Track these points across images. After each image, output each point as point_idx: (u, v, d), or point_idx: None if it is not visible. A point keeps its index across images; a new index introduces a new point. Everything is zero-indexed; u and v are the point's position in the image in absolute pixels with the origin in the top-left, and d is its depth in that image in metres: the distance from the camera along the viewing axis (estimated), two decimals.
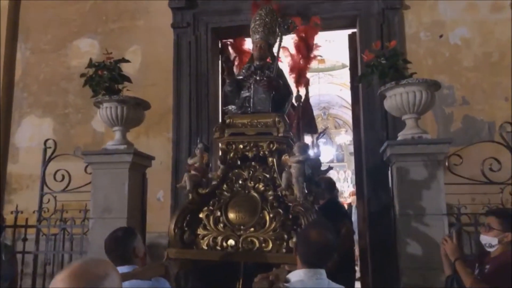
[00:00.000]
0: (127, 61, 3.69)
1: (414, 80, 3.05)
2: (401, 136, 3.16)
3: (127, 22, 5.51)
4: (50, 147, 4.08)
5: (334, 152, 16.80)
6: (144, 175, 3.64)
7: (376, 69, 3.13)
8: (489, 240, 2.40)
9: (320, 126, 17.97)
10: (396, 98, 3.09)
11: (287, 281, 1.95)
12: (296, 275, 1.99)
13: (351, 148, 15.72)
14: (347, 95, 15.06)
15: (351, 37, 5.40)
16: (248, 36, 5.91)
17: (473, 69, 4.76)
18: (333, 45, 9.57)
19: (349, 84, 13.11)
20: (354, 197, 7.31)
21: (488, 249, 2.43)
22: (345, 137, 17.42)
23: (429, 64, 4.80)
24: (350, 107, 16.38)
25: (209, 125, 5.13)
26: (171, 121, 5.16)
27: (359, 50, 5.05)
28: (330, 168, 3.62)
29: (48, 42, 5.64)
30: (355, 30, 5.30)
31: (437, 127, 4.63)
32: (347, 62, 11.12)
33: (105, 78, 3.38)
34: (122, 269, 2.13)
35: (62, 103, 5.45)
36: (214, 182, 3.19)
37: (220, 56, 5.42)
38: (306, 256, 1.99)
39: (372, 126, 4.82)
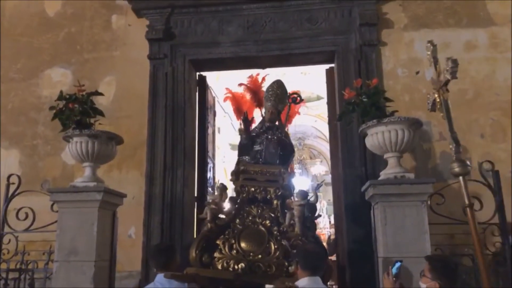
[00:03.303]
0: (100, 94, 3.55)
1: (395, 119, 3.00)
2: (383, 175, 3.08)
3: (103, 52, 5.39)
4: (13, 183, 3.82)
5: (309, 182, 16.78)
6: (114, 214, 3.43)
7: (357, 107, 3.08)
8: (422, 286, 2.42)
9: (295, 156, 18.11)
10: (378, 136, 3.03)
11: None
12: (302, 282, 2.60)
13: (326, 178, 15.76)
14: (322, 126, 15.23)
15: (329, 72, 5.41)
16: (226, 69, 5.98)
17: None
18: (308, 77, 9.66)
19: (324, 116, 13.26)
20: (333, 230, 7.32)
21: None
22: (320, 168, 17.45)
23: (406, 100, 4.82)
24: (325, 138, 16.44)
25: (185, 158, 4.99)
26: (145, 154, 4.99)
27: (337, 85, 5.05)
28: (319, 215, 4.34)
29: (18, 71, 5.45)
30: (332, 65, 5.31)
31: (416, 164, 4.62)
32: (322, 94, 11.30)
33: (76, 112, 3.21)
34: (162, 275, 2.87)
35: (30, 134, 5.22)
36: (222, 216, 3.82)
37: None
38: (306, 264, 2.63)
39: (351, 162, 4.77)
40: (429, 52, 2.62)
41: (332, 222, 12.71)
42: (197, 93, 5.50)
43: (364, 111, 3.06)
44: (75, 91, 3.44)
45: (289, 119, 5.78)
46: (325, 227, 14.02)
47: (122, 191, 3.88)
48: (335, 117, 5.13)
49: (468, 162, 2.08)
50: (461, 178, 2.05)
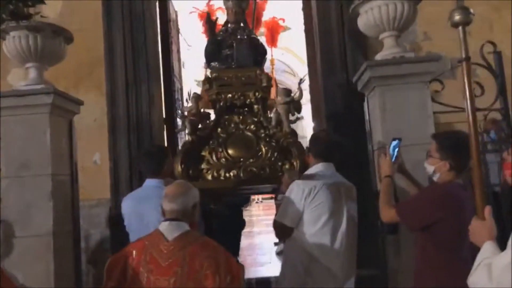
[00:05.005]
0: None
1: None
2: (380, 56, 2.70)
3: None
4: None
5: None
6: (71, 123, 2.93)
7: None
8: (429, 169, 2.09)
9: None
10: (373, 12, 2.61)
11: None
12: (315, 168, 2.41)
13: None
14: (289, 60, 14.75)
15: None
16: None
17: (434, 3, 4.41)
18: (272, 5, 9.08)
19: (292, 49, 12.83)
20: None
21: (434, 178, 2.10)
22: None
23: None
24: (292, 72, 16.05)
25: (148, 74, 4.50)
26: (104, 72, 4.46)
27: None
28: (302, 117, 4.15)
29: None
30: None
31: None
32: (290, 25, 10.84)
33: None
34: (151, 181, 2.52)
35: None
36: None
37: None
38: (320, 151, 2.41)
39: (331, 69, 4.43)
40: None
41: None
42: (157, 3, 4.89)
43: None
44: None
45: (257, 19, 5.41)
46: None
47: (82, 114, 3.38)
48: (311, 18, 4.71)
49: (471, 10, 1.70)
50: (460, 28, 1.67)
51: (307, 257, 2.32)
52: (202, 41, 8.74)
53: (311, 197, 2.27)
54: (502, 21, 4.40)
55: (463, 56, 1.71)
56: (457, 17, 1.64)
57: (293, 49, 13.62)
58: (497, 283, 1.37)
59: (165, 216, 1.96)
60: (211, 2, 6.59)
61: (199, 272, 1.83)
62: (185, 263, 1.84)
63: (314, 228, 2.30)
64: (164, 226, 1.92)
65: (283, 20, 10.14)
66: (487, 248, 1.50)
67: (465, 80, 1.71)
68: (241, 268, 1.92)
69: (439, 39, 4.36)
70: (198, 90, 9.95)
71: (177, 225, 1.90)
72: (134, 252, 1.94)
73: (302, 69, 14.30)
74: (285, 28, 11.84)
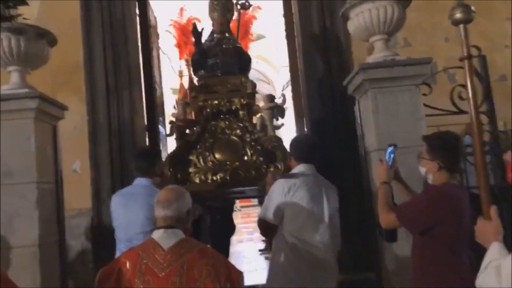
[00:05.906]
0: None
1: None
2: (371, 59, 2.72)
3: None
4: None
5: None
6: (55, 128, 2.82)
7: None
8: (421, 170, 2.11)
9: None
10: (364, 15, 2.63)
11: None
12: (296, 169, 2.48)
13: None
14: (263, 67, 14.80)
15: None
16: None
17: (413, 9, 4.49)
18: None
19: (265, 56, 12.87)
20: None
21: (428, 180, 2.12)
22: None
23: None
24: (267, 80, 16.07)
25: (130, 79, 4.39)
26: (83, 78, 4.34)
27: None
28: (283, 124, 4.46)
29: None
30: None
31: None
32: (264, 33, 10.90)
33: None
34: (141, 180, 2.55)
35: None
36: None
37: None
38: (300, 154, 2.47)
39: (313, 74, 4.43)
40: None
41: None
42: (136, 5, 4.81)
43: None
44: None
45: (245, 31, 5.53)
46: None
47: (60, 121, 3.26)
48: (292, 24, 4.74)
49: (473, 8, 1.68)
50: (461, 26, 1.65)
51: (291, 254, 2.34)
52: (174, 51, 8.67)
53: (291, 194, 2.33)
54: (479, 27, 4.52)
55: (465, 54, 1.69)
56: (458, 15, 1.62)
57: (267, 57, 13.71)
58: (506, 285, 1.35)
59: (157, 224, 1.86)
60: (185, 12, 6.67)
61: (198, 281, 1.76)
62: (184, 272, 1.76)
63: (296, 224, 2.34)
64: (158, 234, 1.82)
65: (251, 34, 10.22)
66: (495, 249, 1.48)
67: (467, 79, 1.70)
68: (240, 274, 1.87)
69: (418, 45, 4.46)
70: (174, 99, 9.88)
71: (173, 233, 1.81)
72: (127, 262, 1.84)
73: (276, 77, 14.39)
74: (259, 37, 11.91)
